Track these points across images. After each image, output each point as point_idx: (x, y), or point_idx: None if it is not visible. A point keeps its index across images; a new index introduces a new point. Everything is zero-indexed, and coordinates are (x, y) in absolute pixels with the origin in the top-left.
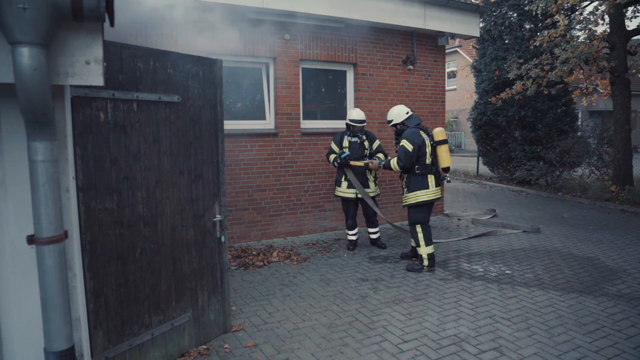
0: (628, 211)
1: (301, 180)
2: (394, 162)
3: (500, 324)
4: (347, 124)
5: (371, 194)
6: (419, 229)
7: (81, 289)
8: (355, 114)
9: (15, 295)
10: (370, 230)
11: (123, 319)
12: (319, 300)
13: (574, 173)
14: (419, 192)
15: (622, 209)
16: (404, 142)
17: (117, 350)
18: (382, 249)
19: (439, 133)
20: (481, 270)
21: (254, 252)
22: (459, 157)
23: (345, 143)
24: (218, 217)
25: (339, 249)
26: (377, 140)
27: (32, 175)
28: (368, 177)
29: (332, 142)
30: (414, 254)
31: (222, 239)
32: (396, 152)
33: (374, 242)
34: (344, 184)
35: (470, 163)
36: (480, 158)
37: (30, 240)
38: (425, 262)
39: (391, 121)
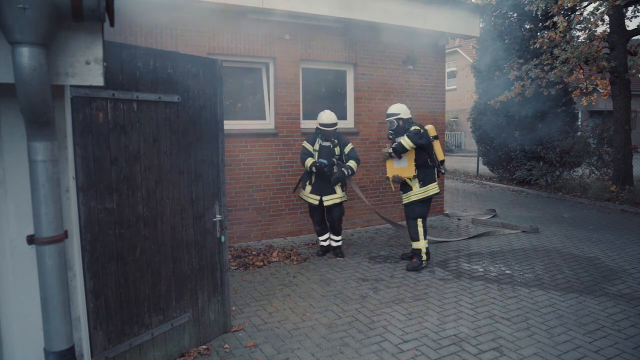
0: (628, 211)
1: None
2: (405, 139)
3: (500, 324)
4: (317, 127)
5: (337, 200)
6: (420, 222)
7: (81, 289)
8: (325, 117)
9: (15, 295)
10: (333, 237)
11: (123, 319)
12: (319, 300)
13: (574, 173)
14: (430, 186)
15: (622, 209)
16: (415, 127)
17: (117, 350)
18: (340, 258)
19: (432, 129)
20: (481, 270)
21: (254, 252)
22: (459, 157)
23: (316, 146)
24: (218, 217)
25: None
26: (350, 145)
27: (32, 175)
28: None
29: (306, 141)
30: (414, 254)
31: (222, 239)
32: (392, 147)
33: (334, 250)
34: (308, 187)
35: (470, 163)
36: (480, 158)
37: (30, 240)
38: (424, 257)
39: (397, 115)
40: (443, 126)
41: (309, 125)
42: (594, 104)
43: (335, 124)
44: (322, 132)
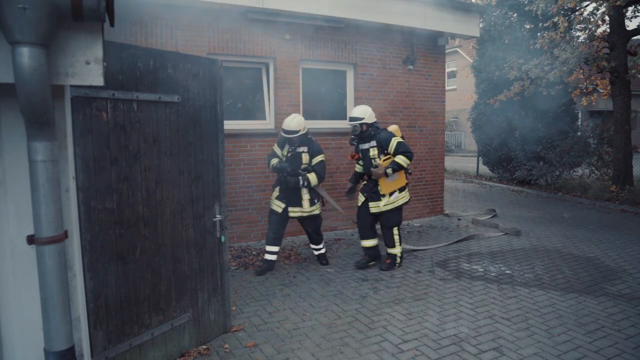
0: (628, 211)
1: None
2: (402, 158)
3: (500, 324)
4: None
5: (304, 214)
6: (396, 230)
7: (81, 289)
8: (286, 122)
9: (15, 296)
10: (314, 246)
11: (123, 319)
12: (319, 300)
13: (574, 173)
14: (400, 194)
15: (622, 209)
16: (397, 139)
17: (117, 350)
18: (325, 265)
19: (397, 130)
20: (481, 270)
21: (254, 252)
22: (459, 157)
23: (285, 151)
24: (218, 217)
25: (339, 248)
26: (319, 157)
27: (32, 175)
28: (302, 194)
29: (276, 144)
30: (373, 259)
31: (222, 239)
32: (354, 155)
33: (317, 257)
34: (276, 192)
35: (470, 163)
36: (480, 158)
37: (30, 240)
38: (399, 261)
39: (361, 119)
40: (443, 126)
41: (309, 125)
42: (594, 104)
43: (296, 132)
44: (286, 139)
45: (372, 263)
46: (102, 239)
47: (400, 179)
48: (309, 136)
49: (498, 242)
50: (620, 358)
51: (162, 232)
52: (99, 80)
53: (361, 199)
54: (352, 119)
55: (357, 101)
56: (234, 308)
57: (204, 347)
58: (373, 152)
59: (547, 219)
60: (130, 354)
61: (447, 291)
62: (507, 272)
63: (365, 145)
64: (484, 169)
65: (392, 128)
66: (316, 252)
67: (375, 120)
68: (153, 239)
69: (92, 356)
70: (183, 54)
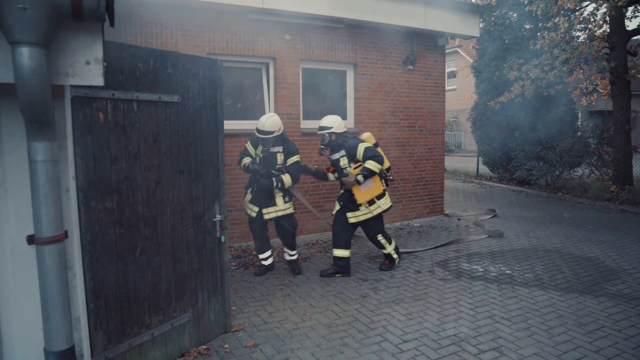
0: (628, 211)
1: (301, 180)
2: (372, 163)
3: (500, 324)
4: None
5: (280, 213)
6: (381, 236)
7: (81, 289)
8: (261, 121)
9: (15, 295)
10: (287, 251)
11: (123, 319)
12: (319, 300)
13: (574, 173)
14: (378, 202)
15: (622, 209)
16: (364, 144)
17: (117, 350)
18: (297, 275)
19: (370, 137)
20: (481, 270)
21: (253, 252)
22: (459, 157)
23: (259, 151)
24: (218, 217)
25: None
26: (295, 157)
27: (32, 175)
28: (274, 192)
29: (249, 142)
30: (341, 270)
31: (222, 239)
32: (330, 168)
33: (289, 264)
34: (249, 196)
35: (470, 163)
36: (480, 158)
37: (30, 240)
38: (396, 257)
39: (329, 128)
40: (443, 126)
41: (309, 125)
42: (594, 104)
43: (270, 133)
44: (259, 139)
45: (339, 275)
46: (102, 239)
47: (376, 186)
48: (285, 136)
49: (498, 242)
50: (620, 358)
51: (162, 232)
52: (99, 80)
53: (336, 207)
54: (321, 128)
55: (358, 101)
56: (234, 308)
57: (204, 347)
58: (343, 162)
59: (547, 219)
60: (130, 354)
61: (447, 291)
62: (507, 272)
63: (336, 155)
64: (484, 169)
65: (365, 136)
66: (288, 258)
67: (345, 130)
68: (153, 239)
69: (92, 356)
70: (183, 54)
